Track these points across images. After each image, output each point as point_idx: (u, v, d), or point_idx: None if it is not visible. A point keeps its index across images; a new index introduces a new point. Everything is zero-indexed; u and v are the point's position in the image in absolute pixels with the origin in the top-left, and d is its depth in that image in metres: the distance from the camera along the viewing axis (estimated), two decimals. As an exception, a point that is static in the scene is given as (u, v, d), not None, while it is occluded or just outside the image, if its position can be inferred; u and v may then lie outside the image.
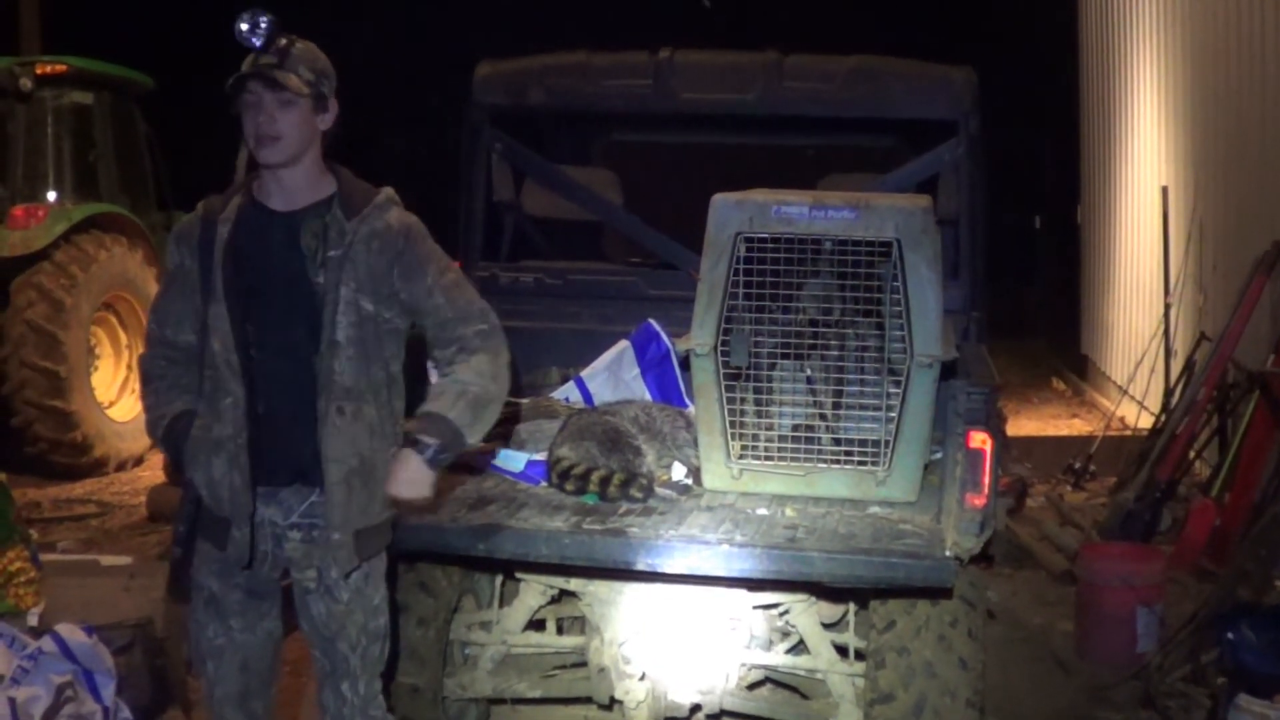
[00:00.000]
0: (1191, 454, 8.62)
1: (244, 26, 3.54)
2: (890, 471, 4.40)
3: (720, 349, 4.43)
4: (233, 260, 3.55)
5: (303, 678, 5.02)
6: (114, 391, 11.29)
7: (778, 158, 6.99)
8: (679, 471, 4.61)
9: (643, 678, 4.49)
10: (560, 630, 5.02)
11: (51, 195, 10.99)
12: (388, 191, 3.69)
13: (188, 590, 3.67)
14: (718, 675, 4.54)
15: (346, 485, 3.55)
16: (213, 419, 3.58)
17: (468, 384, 3.57)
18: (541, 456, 4.68)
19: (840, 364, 4.46)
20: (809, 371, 4.53)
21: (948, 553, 3.85)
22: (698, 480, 4.56)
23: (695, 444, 4.66)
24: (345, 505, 3.55)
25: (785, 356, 4.50)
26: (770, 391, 4.56)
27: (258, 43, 3.54)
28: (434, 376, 3.76)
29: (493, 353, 3.65)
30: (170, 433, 3.68)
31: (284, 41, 3.58)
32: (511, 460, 4.71)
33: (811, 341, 4.45)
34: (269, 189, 3.61)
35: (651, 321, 5.43)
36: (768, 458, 4.49)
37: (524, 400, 5.21)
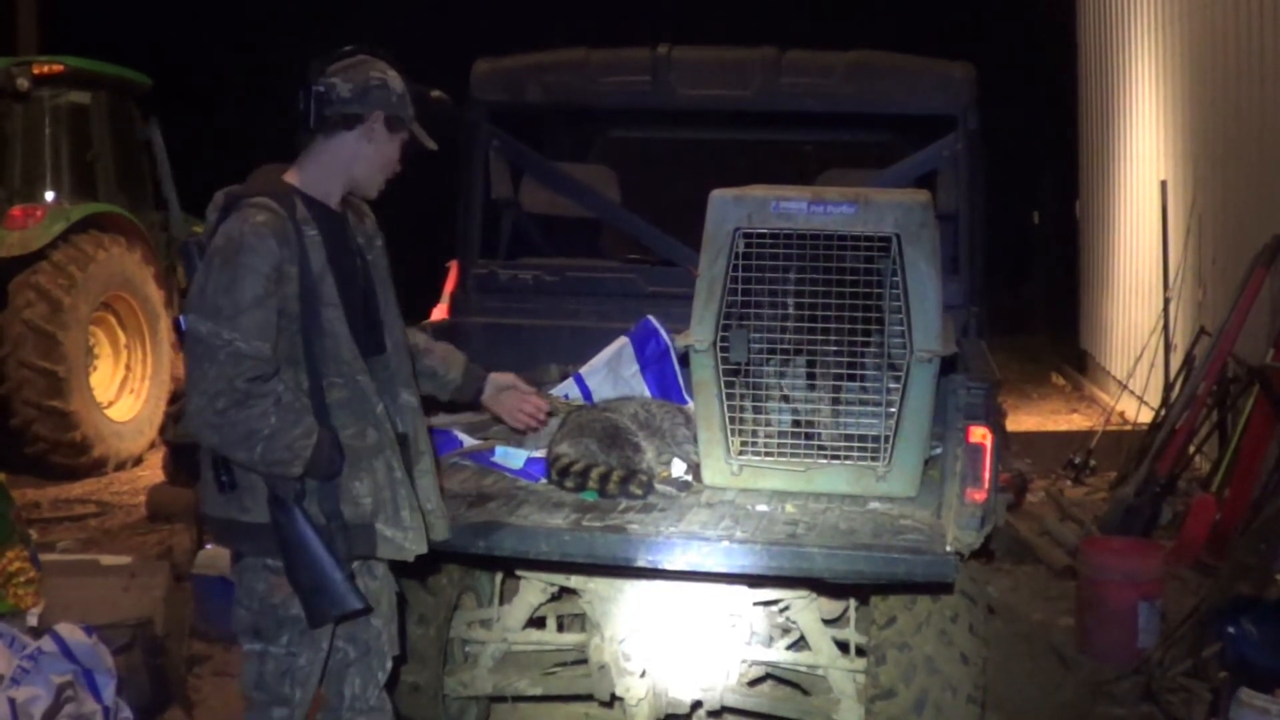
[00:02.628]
0: (1191, 449, 8.62)
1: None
2: (890, 467, 4.39)
3: (719, 345, 4.43)
4: (333, 263, 3.56)
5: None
6: (113, 391, 11.29)
7: (776, 153, 6.99)
8: (679, 468, 4.61)
9: (643, 674, 4.49)
10: (561, 627, 5.02)
11: (49, 195, 10.98)
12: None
13: (368, 602, 3.61)
14: (718, 672, 4.54)
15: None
16: (365, 424, 3.57)
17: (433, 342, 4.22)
18: (541, 453, 4.68)
19: (840, 359, 4.45)
20: (808, 367, 4.51)
21: (948, 548, 3.84)
22: (697, 477, 4.55)
23: (695, 440, 4.65)
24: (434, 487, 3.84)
25: (785, 352, 4.49)
26: (770, 387, 4.55)
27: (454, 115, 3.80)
28: None
29: None
30: (322, 450, 3.46)
31: None
32: (511, 457, 4.71)
33: (811, 337, 4.44)
34: (317, 188, 3.63)
35: (651, 318, 5.43)
36: (767, 454, 4.49)
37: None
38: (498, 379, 4.42)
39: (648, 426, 4.70)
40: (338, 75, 3.60)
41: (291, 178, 3.62)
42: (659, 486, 4.42)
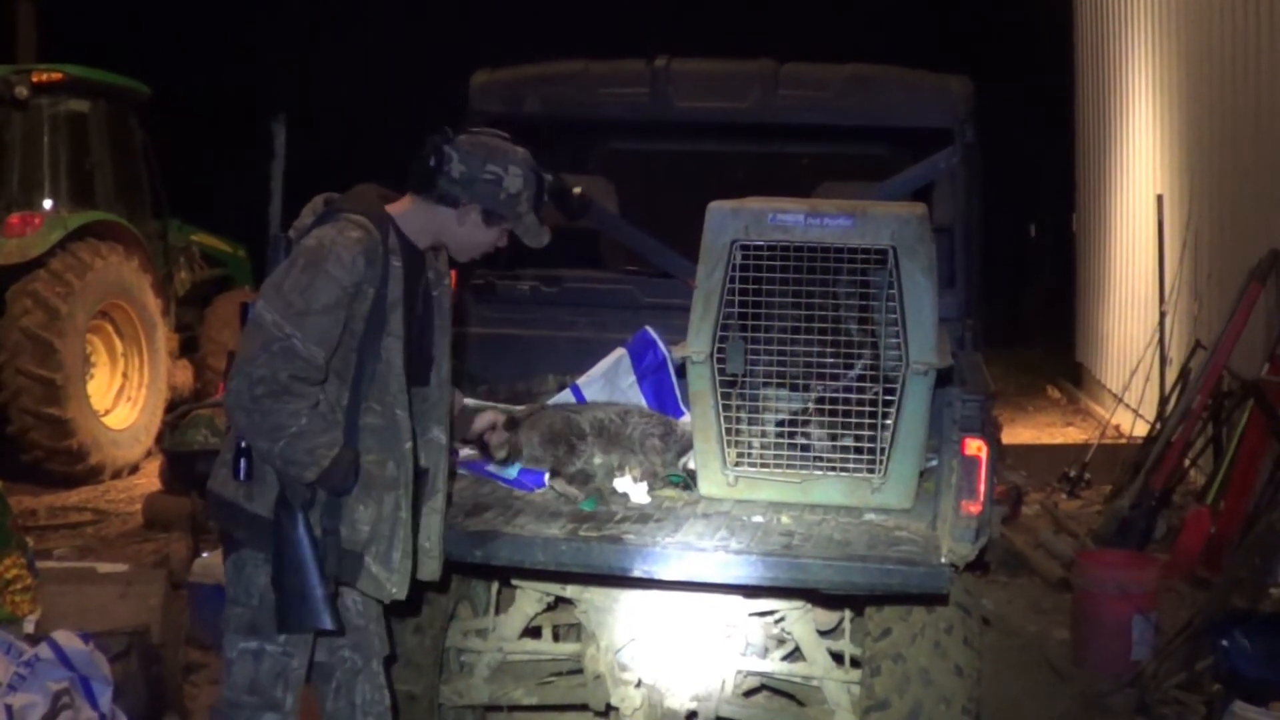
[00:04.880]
0: (1186, 462, 8.64)
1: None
2: (886, 479, 4.40)
3: (716, 356, 4.44)
4: (406, 296, 3.64)
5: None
6: (110, 399, 11.29)
7: (774, 166, 7.00)
8: (624, 483, 4.58)
9: (639, 684, 4.50)
10: (556, 637, 5.02)
11: (48, 203, 11.00)
12: None
13: (342, 623, 3.63)
14: (714, 682, 4.54)
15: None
16: (387, 456, 3.61)
17: None
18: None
19: (836, 371, 4.46)
20: (804, 379, 4.53)
21: (943, 560, 3.85)
22: (652, 488, 4.58)
23: (665, 451, 4.71)
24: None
25: (781, 364, 4.50)
26: (766, 399, 4.56)
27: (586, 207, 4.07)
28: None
29: None
30: (339, 464, 3.49)
31: None
32: (506, 469, 4.72)
33: (807, 349, 4.46)
34: (414, 230, 3.72)
35: (648, 329, 5.44)
36: (764, 465, 4.50)
37: (518, 408, 5.22)
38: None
39: (606, 433, 4.72)
40: (460, 150, 3.67)
41: (392, 209, 3.69)
42: (567, 489, 4.55)
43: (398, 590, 3.70)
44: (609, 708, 4.58)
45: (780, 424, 4.58)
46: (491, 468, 4.72)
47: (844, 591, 4.05)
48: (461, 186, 3.66)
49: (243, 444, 3.54)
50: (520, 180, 3.71)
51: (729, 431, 4.48)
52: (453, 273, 6.18)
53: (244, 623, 3.64)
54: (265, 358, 3.39)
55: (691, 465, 4.73)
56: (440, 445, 3.86)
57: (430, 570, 3.86)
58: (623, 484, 4.54)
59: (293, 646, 3.62)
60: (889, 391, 4.37)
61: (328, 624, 3.53)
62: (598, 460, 4.68)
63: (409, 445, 3.65)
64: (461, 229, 3.72)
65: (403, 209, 3.71)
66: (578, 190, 4.19)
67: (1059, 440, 12.40)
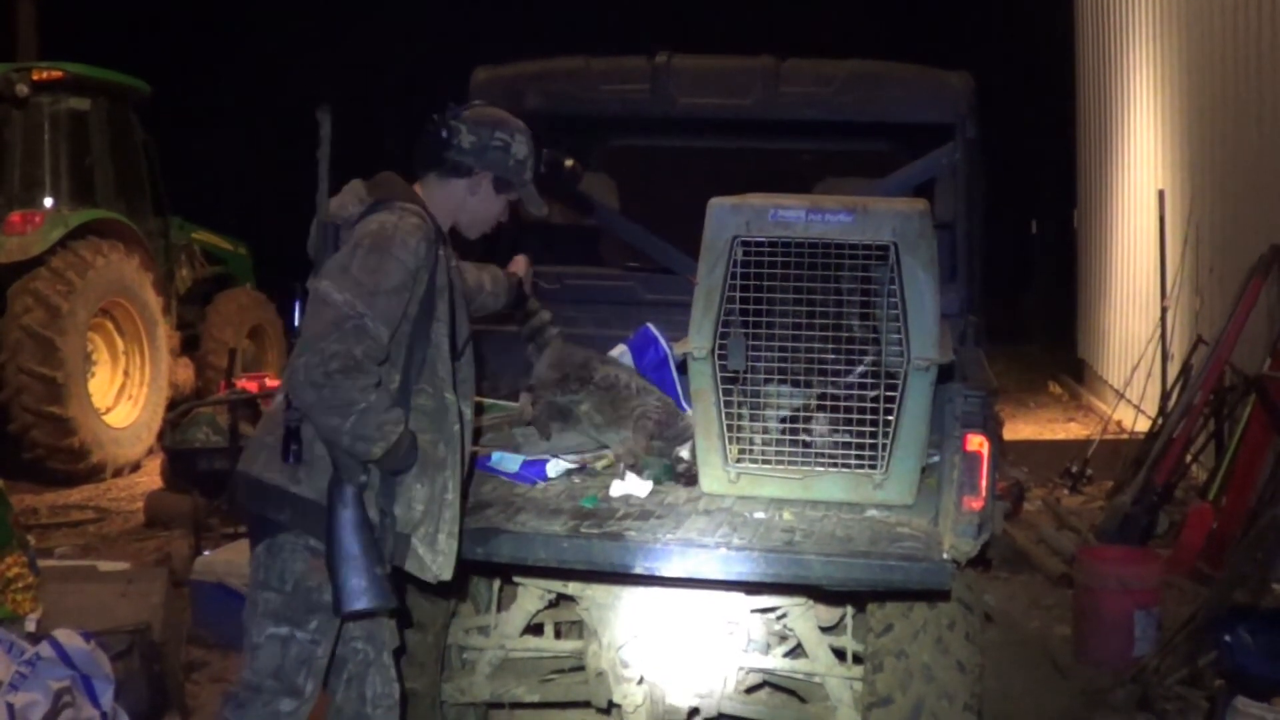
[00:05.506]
0: (1188, 458, 8.64)
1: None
2: (887, 475, 4.40)
3: (717, 353, 4.44)
4: (451, 283, 3.75)
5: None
6: (111, 397, 11.30)
7: (775, 162, 6.99)
8: (623, 485, 4.57)
9: (641, 681, 4.50)
10: (558, 634, 5.02)
11: (48, 201, 11.00)
12: None
13: (398, 601, 3.66)
14: (716, 679, 4.54)
15: None
16: (439, 437, 3.67)
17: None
18: (536, 457, 4.71)
19: (837, 367, 4.46)
20: (806, 375, 4.52)
21: (945, 556, 3.85)
22: (626, 467, 4.63)
23: (653, 439, 4.76)
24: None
25: (782, 360, 4.50)
26: (767, 395, 4.56)
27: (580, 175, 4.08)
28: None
29: None
30: (401, 443, 3.54)
31: None
32: (506, 461, 4.72)
33: (809, 345, 4.45)
34: (438, 213, 3.80)
35: (650, 326, 5.43)
36: (765, 461, 4.49)
37: (516, 403, 5.22)
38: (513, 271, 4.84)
39: (611, 392, 4.88)
40: (466, 123, 3.80)
41: (422, 195, 3.80)
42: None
43: (443, 571, 3.72)
44: (611, 705, 4.57)
45: (782, 420, 4.57)
46: (492, 462, 4.73)
47: (846, 588, 4.04)
48: (473, 156, 3.79)
49: (291, 426, 3.55)
50: (526, 147, 3.86)
51: (730, 428, 4.47)
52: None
53: (273, 608, 3.63)
54: (338, 334, 3.44)
55: (684, 454, 4.74)
56: (468, 421, 3.90)
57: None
58: (621, 486, 4.54)
59: (321, 634, 3.64)
60: (890, 388, 4.36)
61: (390, 603, 3.58)
62: (584, 408, 4.75)
63: (457, 428, 3.73)
64: (474, 199, 3.84)
65: (426, 194, 3.80)
66: (570, 162, 4.23)
67: (1061, 436, 12.41)
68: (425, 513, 3.66)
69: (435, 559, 3.69)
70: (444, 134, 3.77)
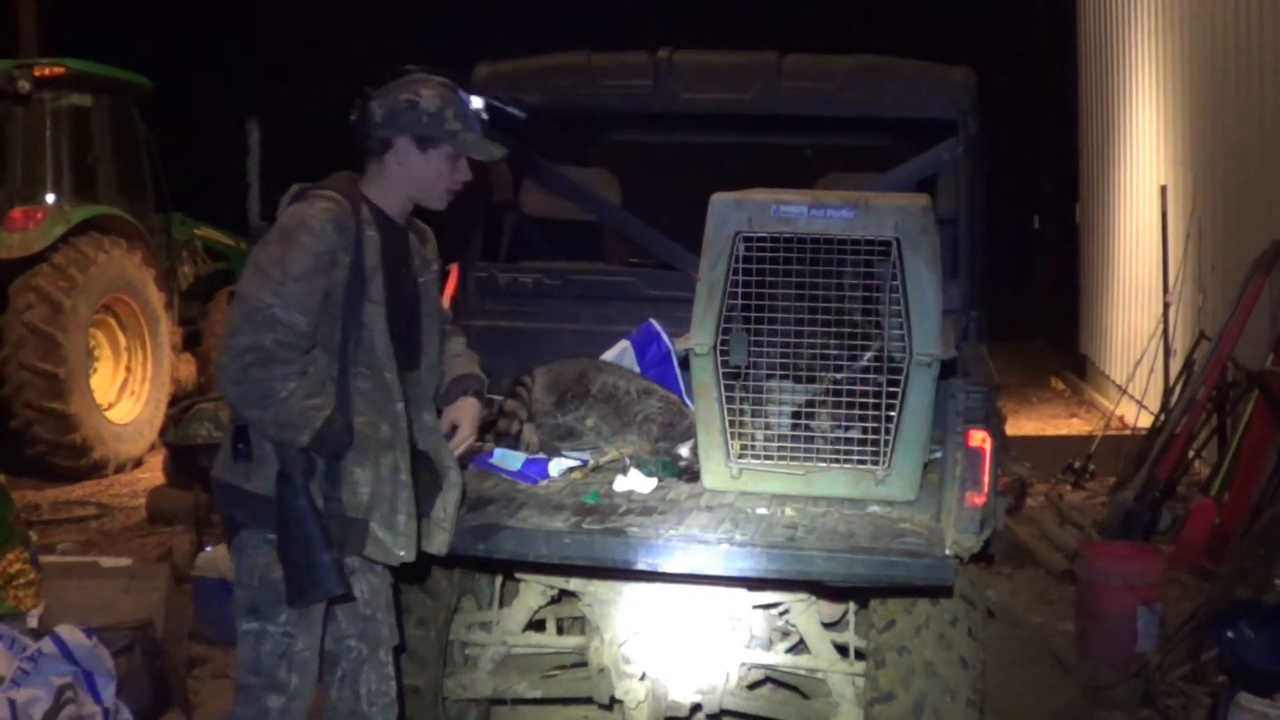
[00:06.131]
0: (1191, 453, 8.62)
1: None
2: (890, 470, 4.39)
3: (719, 349, 4.43)
4: (385, 265, 3.68)
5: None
6: (113, 394, 11.29)
7: (776, 157, 6.99)
8: (625, 481, 4.57)
9: (643, 677, 4.50)
10: (560, 630, 5.02)
11: (50, 197, 10.99)
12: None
13: (350, 588, 3.66)
14: (718, 675, 4.54)
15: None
16: (379, 418, 3.66)
17: (468, 351, 4.20)
18: (538, 455, 4.71)
19: (839, 363, 4.46)
20: (808, 371, 4.52)
21: (947, 551, 3.84)
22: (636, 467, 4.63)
23: (659, 440, 4.78)
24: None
25: (784, 356, 4.49)
26: (769, 391, 4.56)
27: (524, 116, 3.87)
28: None
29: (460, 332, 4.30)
30: (332, 426, 3.54)
31: None
32: (509, 459, 4.72)
33: (810, 340, 4.45)
34: (384, 198, 3.77)
35: (652, 321, 5.43)
36: (767, 457, 4.49)
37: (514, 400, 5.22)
38: (460, 410, 4.12)
39: (613, 401, 4.86)
40: (376, 100, 3.76)
41: (363, 187, 3.77)
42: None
43: (405, 553, 3.72)
44: (613, 701, 4.57)
45: (784, 416, 4.57)
46: (494, 460, 4.72)
47: (848, 584, 4.04)
48: (387, 126, 3.72)
49: (238, 424, 3.60)
50: (437, 99, 3.74)
51: (732, 424, 4.47)
52: (454, 267, 6.21)
53: (244, 603, 3.67)
54: (250, 328, 3.49)
55: (684, 452, 4.74)
56: (433, 428, 3.90)
57: (439, 543, 3.87)
58: (624, 482, 4.54)
59: (295, 627, 3.63)
60: (893, 383, 4.36)
61: (336, 588, 3.56)
62: (589, 422, 4.73)
63: (400, 406, 3.70)
64: (406, 168, 3.75)
65: (368, 183, 3.78)
66: (513, 109, 4.18)
67: (1063, 432, 12.39)
68: (374, 495, 3.64)
69: (396, 540, 3.68)
70: (358, 116, 3.75)
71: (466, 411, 4.05)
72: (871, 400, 4.40)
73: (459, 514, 3.96)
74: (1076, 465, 9.89)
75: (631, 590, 4.49)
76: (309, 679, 3.69)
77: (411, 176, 3.77)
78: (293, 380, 3.49)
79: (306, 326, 3.53)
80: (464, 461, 4.14)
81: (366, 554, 3.68)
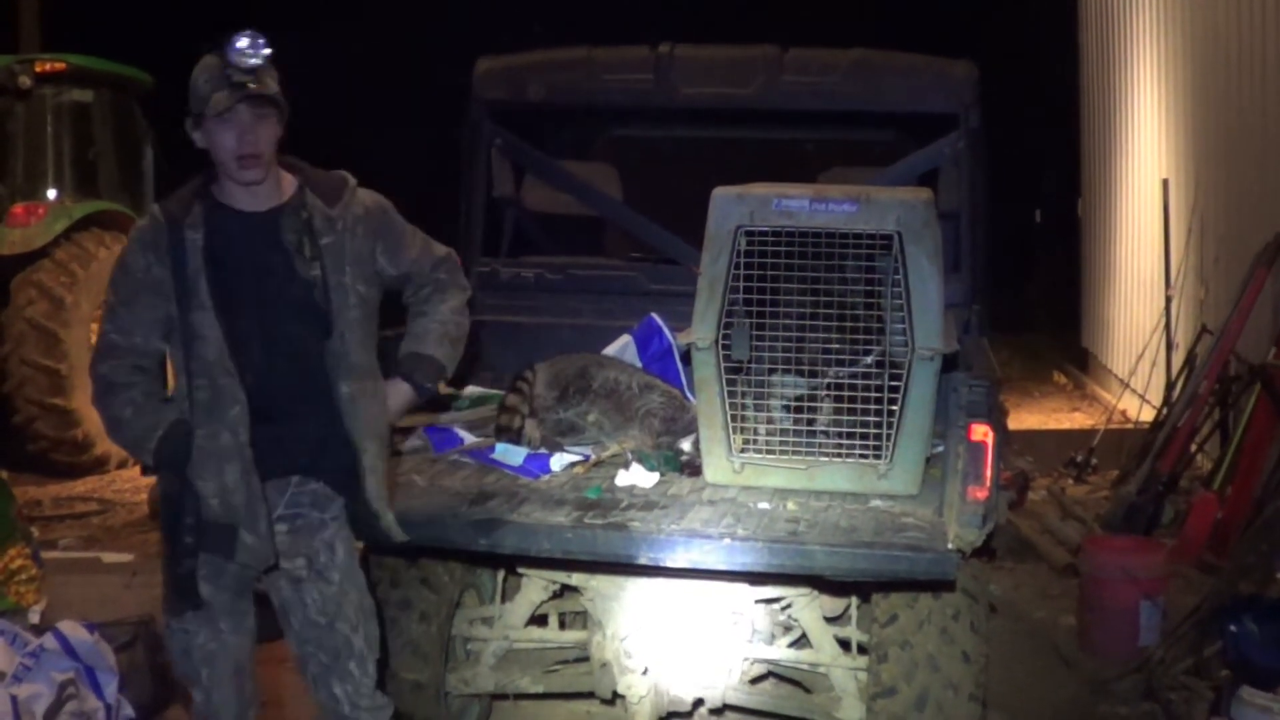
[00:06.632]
0: (1193, 447, 8.62)
1: (244, 44, 3.51)
2: (892, 465, 4.39)
3: (721, 343, 4.43)
4: (212, 266, 3.55)
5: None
6: (115, 389, 11.28)
7: (778, 152, 6.99)
8: (628, 475, 4.56)
9: (645, 672, 4.49)
10: (562, 625, 5.02)
11: (51, 193, 10.99)
12: (348, 175, 3.77)
13: (200, 599, 3.62)
14: (720, 669, 4.54)
15: (380, 462, 3.72)
16: (218, 426, 3.57)
17: (445, 323, 3.90)
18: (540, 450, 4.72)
19: (841, 357, 4.45)
20: (810, 365, 4.51)
21: (950, 546, 3.84)
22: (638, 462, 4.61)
23: (661, 434, 4.77)
24: (380, 483, 3.72)
25: (787, 350, 4.49)
26: (771, 385, 4.55)
27: (257, 64, 3.50)
28: None
29: (461, 289, 3.98)
30: (168, 442, 3.54)
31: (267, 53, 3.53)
32: (510, 454, 4.72)
33: (812, 335, 4.44)
34: (233, 192, 3.60)
35: (654, 316, 5.43)
36: (769, 451, 4.49)
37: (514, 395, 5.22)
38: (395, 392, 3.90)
39: (614, 396, 4.85)
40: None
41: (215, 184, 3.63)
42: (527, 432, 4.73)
43: (270, 557, 3.65)
44: (615, 695, 4.57)
45: (786, 410, 4.57)
46: (496, 455, 4.72)
47: (850, 578, 4.04)
48: (192, 114, 3.55)
49: None
50: (197, 73, 3.54)
51: (734, 418, 4.47)
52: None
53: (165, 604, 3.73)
54: (96, 358, 3.63)
55: (686, 447, 4.73)
56: (349, 399, 3.64)
57: (393, 531, 3.76)
58: (626, 476, 4.54)
59: (193, 623, 3.65)
60: (895, 377, 4.35)
61: (185, 602, 3.60)
62: (591, 417, 4.73)
63: (236, 411, 3.55)
64: (209, 152, 3.56)
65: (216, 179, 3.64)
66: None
67: (1065, 426, 12.39)
68: (226, 505, 3.56)
69: (262, 546, 3.60)
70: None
71: (392, 397, 3.82)
72: (873, 394, 4.40)
73: (384, 493, 3.78)
74: (1079, 459, 9.89)
75: (634, 585, 4.48)
76: (220, 671, 3.68)
77: (214, 158, 3.58)
78: (129, 406, 3.58)
79: (143, 344, 3.59)
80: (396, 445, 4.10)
81: (238, 560, 3.62)
